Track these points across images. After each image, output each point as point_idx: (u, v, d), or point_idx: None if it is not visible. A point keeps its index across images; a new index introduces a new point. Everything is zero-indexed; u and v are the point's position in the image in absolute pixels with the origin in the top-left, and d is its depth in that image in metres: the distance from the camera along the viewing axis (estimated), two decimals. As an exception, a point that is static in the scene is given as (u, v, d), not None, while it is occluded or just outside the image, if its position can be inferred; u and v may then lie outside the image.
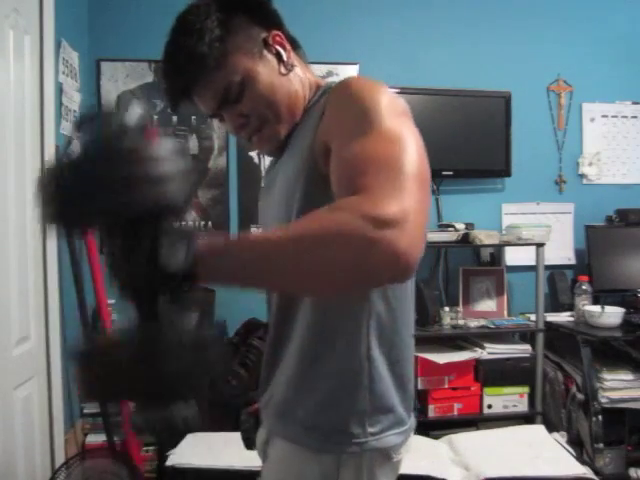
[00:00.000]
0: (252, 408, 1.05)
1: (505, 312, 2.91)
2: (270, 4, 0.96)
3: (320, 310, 0.87)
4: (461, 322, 2.70)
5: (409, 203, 0.64)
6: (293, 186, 0.86)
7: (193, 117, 2.89)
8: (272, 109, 0.92)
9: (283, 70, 0.92)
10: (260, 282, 0.70)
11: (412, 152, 0.71)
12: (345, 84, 0.82)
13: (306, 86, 0.96)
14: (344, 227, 0.61)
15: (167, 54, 0.91)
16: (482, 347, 2.67)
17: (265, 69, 0.91)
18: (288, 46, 0.94)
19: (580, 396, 2.50)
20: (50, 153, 2.14)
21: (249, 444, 1.04)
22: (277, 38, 0.93)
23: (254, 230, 2.91)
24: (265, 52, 0.92)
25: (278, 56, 0.93)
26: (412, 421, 0.94)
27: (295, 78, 0.94)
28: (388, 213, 0.61)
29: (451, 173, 2.93)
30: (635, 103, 3.21)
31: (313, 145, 0.83)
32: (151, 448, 2.56)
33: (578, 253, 3.13)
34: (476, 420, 2.65)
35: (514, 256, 3.01)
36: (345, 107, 0.79)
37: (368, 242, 0.60)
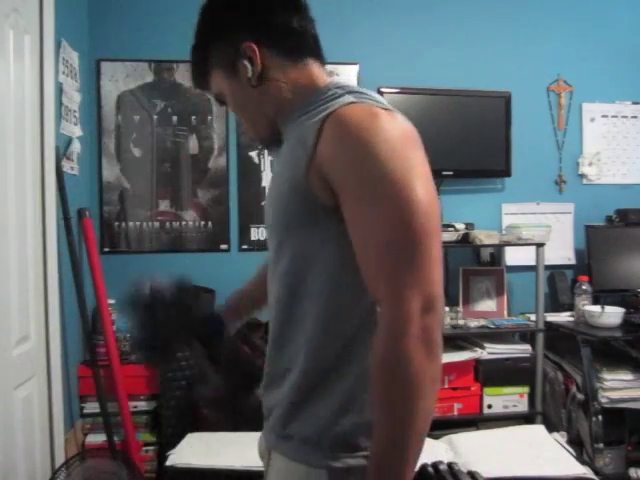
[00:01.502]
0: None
1: (505, 312, 2.91)
2: (261, 12, 0.94)
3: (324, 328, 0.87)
4: (461, 322, 2.70)
5: (430, 286, 0.75)
6: (283, 213, 0.89)
7: (193, 117, 2.89)
8: (244, 118, 1.00)
9: (253, 82, 0.92)
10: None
11: (419, 211, 0.76)
12: (343, 126, 0.80)
13: (289, 91, 0.93)
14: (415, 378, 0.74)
15: None
16: (482, 347, 2.67)
17: (235, 84, 0.95)
18: (258, 59, 0.91)
19: (580, 396, 2.50)
20: (50, 153, 2.14)
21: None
22: (249, 51, 0.91)
23: (254, 230, 2.91)
24: (238, 63, 0.93)
25: (246, 69, 0.92)
26: None
27: (270, 89, 0.93)
28: (423, 325, 0.74)
29: (451, 173, 2.93)
30: (635, 103, 3.21)
31: (307, 175, 0.82)
32: (151, 448, 2.56)
33: (578, 253, 3.13)
34: (476, 420, 2.65)
35: (514, 256, 3.01)
36: (346, 157, 0.79)
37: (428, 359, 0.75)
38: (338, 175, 0.80)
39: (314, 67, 0.95)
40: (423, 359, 0.73)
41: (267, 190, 1.10)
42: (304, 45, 0.96)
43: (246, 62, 0.92)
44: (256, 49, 0.91)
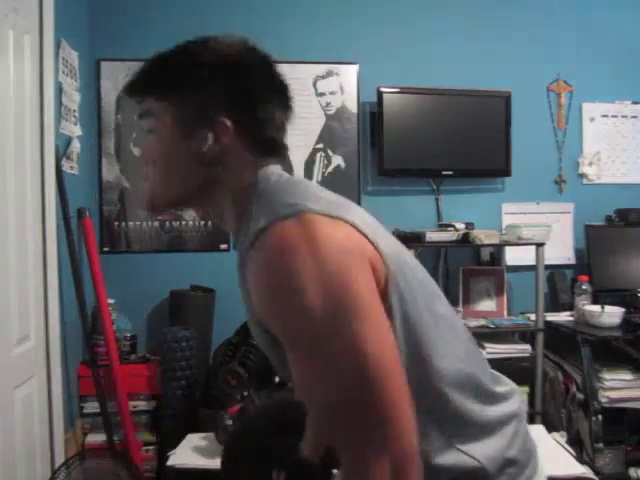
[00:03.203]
0: (232, 410, 1.04)
1: (505, 312, 2.91)
2: (254, 96, 0.82)
3: None
4: (461, 322, 2.70)
5: (399, 440, 0.66)
6: (259, 326, 0.80)
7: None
8: (158, 173, 0.85)
9: (203, 160, 0.81)
10: None
11: (363, 354, 0.66)
12: (255, 274, 0.72)
13: (229, 192, 0.84)
14: None
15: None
16: (482, 347, 2.67)
17: (176, 138, 0.82)
18: (224, 143, 0.80)
19: (580, 396, 2.50)
20: (50, 153, 2.14)
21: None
22: (220, 128, 0.80)
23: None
24: (198, 128, 0.81)
25: (205, 141, 0.81)
26: None
27: (211, 176, 0.82)
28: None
29: (451, 173, 2.93)
30: (635, 103, 3.21)
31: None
32: (151, 448, 2.56)
33: (578, 253, 3.13)
34: (476, 420, 2.65)
35: (514, 256, 3.00)
36: (268, 308, 0.72)
37: None
38: (270, 325, 0.73)
39: (268, 169, 0.84)
40: None
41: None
42: (274, 146, 0.86)
43: (210, 135, 0.80)
44: (230, 131, 0.80)
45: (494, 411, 0.83)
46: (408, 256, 0.84)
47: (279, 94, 0.85)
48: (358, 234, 0.73)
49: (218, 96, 0.81)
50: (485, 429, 0.81)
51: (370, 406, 0.65)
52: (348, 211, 0.76)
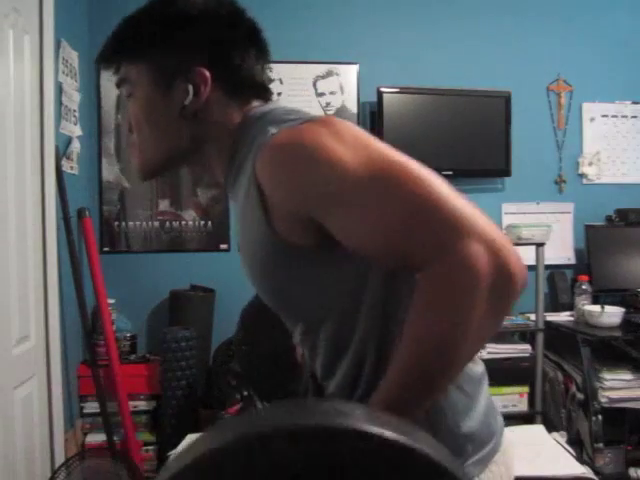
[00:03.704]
0: (232, 410, 1.03)
1: (505, 312, 2.91)
2: (224, 40, 0.82)
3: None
4: (461, 322, 2.70)
5: (453, 227, 0.61)
6: (262, 262, 0.78)
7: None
8: (143, 136, 0.84)
9: (187, 114, 0.81)
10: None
11: (406, 169, 0.66)
12: (275, 161, 0.71)
13: (221, 136, 0.83)
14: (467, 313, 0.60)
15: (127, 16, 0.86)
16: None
17: (158, 98, 0.82)
18: (206, 93, 0.80)
19: (580, 396, 2.50)
20: (50, 153, 2.14)
21: None
22: (198, 78, 0.80)
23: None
24: (177, 82, 0.80)
25: (185, 94, 0.80)
26: None
27: (199, 128, 0.82)
28: (461, 257, 0.60)
29: (451, 173, 2.92)
30: (635, 103, 3.21)
31: (269, 221, 0.73)
32: (151, 448, 2.56)
33: (578, 253, 3.13)
34: (476, 420, 2.65)
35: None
36: (300, 183, 0.69)
37: (485, 294, 0.60)
38: (303, 205, 0.70)
39: (252, 105, 0.85)
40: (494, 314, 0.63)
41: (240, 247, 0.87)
42: (255, 88, 0.85)
43: (190, 87, 0.80)
44: (209, 80, 0.80)
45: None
46: None
47: (252, 37, 0.85)
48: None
49: (191, 47, 0.81)
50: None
51: (437, 206, 0.62)
52: None
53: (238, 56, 0.82)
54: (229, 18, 0.83)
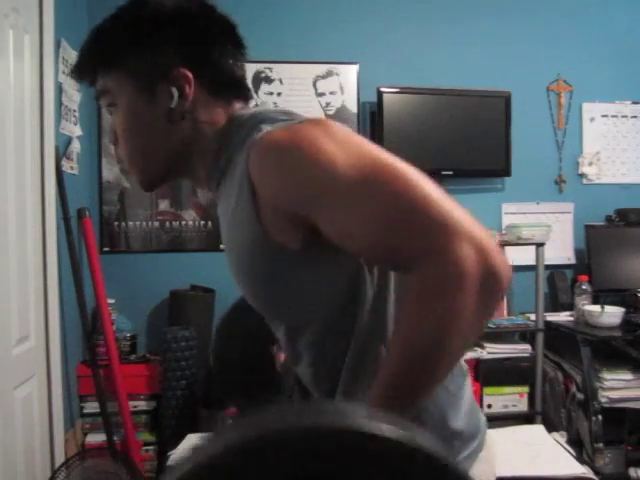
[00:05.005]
0: (232, 410, 1.03)
1: (505, 312, 2.91)
2: (202, 39, 0.81)
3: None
4: (461, 322, 2.69)
5: (438, 225, 0.62)
6: (249, 262, 0.77)
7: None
8: (132, 147, 0.83)
9: (174, 117, 0.80)
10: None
11: (388, 178, 0.65)
12: (269, 155, 0.70)
13: (208, 135, 0.82)
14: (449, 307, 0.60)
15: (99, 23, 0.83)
16: (482, 347, 2.67)
17: (141, 105, 0.80)
18: (191, 93, 0.79)
19: (580, 396, 2.50)
20: (50, 153, 2.14)
21: None
22: (182, 79, 0.79)
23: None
24: (160, 87, 0.79)
25: (171, 97, 0.79)
26: None
27: (187, 129, 0.81)
28: (444, 256, 0.60)
29: (451, 173, 2.93)
30: (635, 103, 3.21)
31: (259, 220, 0.72)
32: (151, 448, 2.56)
33: (578, 253, 3.13)
34: (476, 420, 2.65)
35: (514, 256, 3.00)
36: (290, 181, 0.69)
37: (465, 293, 0.59)
38: (294, 204, 0.70)
39: (236, 106, 0.85)
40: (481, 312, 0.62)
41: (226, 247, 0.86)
42: (236, 85, 0.85)
43: (174, 90, 0.78)
44: (192, 79, 0.79)
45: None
46: None
47: (228, 33, 0.84)
48: None
49: (169, 49, 0.79)
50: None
51: (426, 206, 0.62)
52: None
53: (216, 52, 0.81)
54: (202, 15, 0.82)
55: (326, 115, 2.95)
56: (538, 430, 2.42)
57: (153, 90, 0.80)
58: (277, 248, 0.73)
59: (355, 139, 0.70)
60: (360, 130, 2.96)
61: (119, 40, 0.80)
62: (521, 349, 2.70)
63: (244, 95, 0.86)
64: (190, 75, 0.79)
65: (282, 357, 1.03)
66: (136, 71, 0.80)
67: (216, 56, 0.81)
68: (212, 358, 1.11)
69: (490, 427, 0.91)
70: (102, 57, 0.81)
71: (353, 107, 2.97)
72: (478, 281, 0.60)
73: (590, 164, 3.17)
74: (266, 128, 0.73)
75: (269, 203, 0.71)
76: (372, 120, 2.96)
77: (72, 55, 2.48)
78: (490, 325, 2.71)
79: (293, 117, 0.76)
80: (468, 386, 0.86)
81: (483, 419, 0.88)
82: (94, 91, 0.85)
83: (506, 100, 2.99)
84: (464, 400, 0.83)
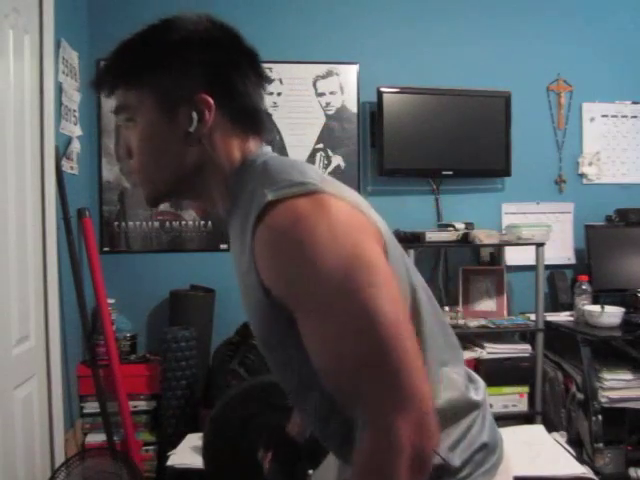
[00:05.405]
0: (267, 455, 1.02)
1: (505, 312, 2.91)
2: (228, 69, 0.82)
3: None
4: (461, 322, 2.70)
5: (418, 402, 0.66)
6: (260, 323, 0.82)
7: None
8: (146, 163, 0.84)
9: (191, 140, 0.81)
10: None
11: (379, 312, 0.67)
12: (268, 244, 0.72)
13: (223, 165, 0.83)
14: None
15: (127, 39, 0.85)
16: (482, 347, 2.67)
17: (161, 125, 0.81)
18: (210, 119, 0.80)
19: (580, 396, 2.50)
20: (50, 153, 2.14)
21: None
22: (203, 104, 0.80)
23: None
24: (181, 109, 0.80)
25: (190, 121, 0.80)
26: None
27: (203, 154, 0.82)
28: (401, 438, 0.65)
29: (451, 173, 2.93)
30: (635, 103, 3.21)
31: (261, 284, 0.75)
32: (151, 448, 2.56)
33: (578, 253, 3.13)
34: (476, 420, 2.65)
35: (514, 256, 3.00)
36: (282, 273, 0.72)
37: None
38: (283, 293, 0.73)
39: (251, 143, 0.86)
40: None
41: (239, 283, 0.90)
42: (254, 117, 0.86)
43: (194, 114, 0.79)
44: (213, 106, 0.80)
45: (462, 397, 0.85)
46: (395, 240, 0.85)
47: (252, 63, 0.85)
48: (362, 214, 0.76)
49: (195, 73, 0.80)
50: (451, 417, 0.82)
51: (386, 363, 0.67)
52: (350, 193, 0.79)
53: (240, 81, 0.82)
54: (229, 43, 0.83)
55: (326, 115, 2.95)
56: (538, 430, 2.43)
57: (175, 112, 0.80)
58: (282, 312, 0.75)
59: (353, 233, 0.72)
60: (360, 130, 2.97)
61: (147, 59, 0.81)
62: (521, 349, 2.70)
63: (260, 131, 0.87)
64: (211, 101, 0.80)
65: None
66: (160, 91, 0.80)
67: (239, 85, 0.82)
68: (204, 456, 1.13)
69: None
70: (129, 74, 0.82)
71: (353, 107, 2.97)
72: (411, 457, 0.65)
73: (590, 164, 3.17)
74: (268, 196, 0.73)
75: (266, 283, 0.74)
76: (372, 120, 2.96)
77: (72, 55, 2.49)
78: (490, 325, 2.71)
79: (292, 179, 0.75)
80: (487, 402, 0.90)
81: (499, 432, 0.90)
82: (115, 105, 0.86)
83: (506, 100, 2.99)
84: (487, 418, 0.86)
